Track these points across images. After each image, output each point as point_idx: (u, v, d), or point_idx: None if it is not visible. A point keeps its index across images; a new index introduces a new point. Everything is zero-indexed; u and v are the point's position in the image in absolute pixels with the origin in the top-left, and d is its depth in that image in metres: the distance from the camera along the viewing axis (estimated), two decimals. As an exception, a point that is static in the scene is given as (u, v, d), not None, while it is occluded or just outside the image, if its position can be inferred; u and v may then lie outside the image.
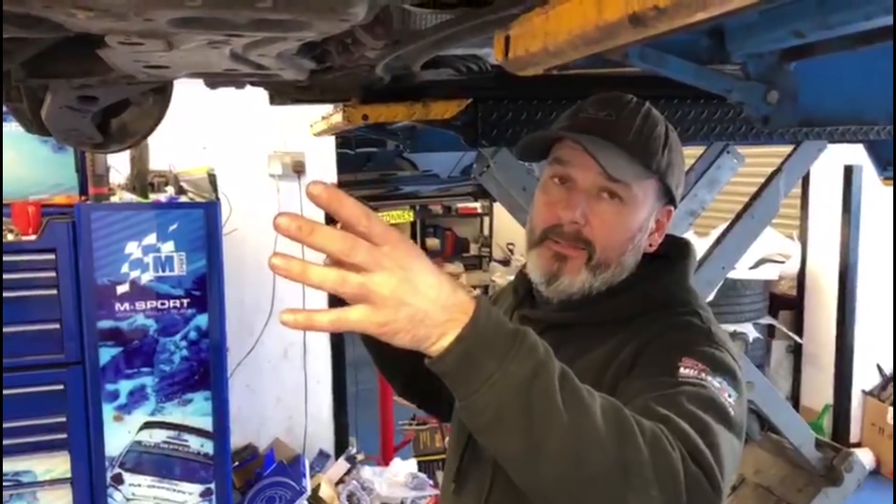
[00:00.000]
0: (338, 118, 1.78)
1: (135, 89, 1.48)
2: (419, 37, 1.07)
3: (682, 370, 0.94)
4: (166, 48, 0.97)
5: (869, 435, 4.84)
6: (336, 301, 0.76)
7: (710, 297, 2.83)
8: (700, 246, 3.25)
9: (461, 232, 10.08)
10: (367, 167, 4.22)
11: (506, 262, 8.79)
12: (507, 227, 8.76)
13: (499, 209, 8.73)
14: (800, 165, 2.52)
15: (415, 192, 5.57)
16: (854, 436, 4.86)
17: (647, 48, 1.00)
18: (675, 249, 1.15)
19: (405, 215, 4.87)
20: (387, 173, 4.49)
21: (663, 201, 1.12)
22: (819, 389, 4.98)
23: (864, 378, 4.88)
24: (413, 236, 9.26)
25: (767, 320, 4.99)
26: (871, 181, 4.50)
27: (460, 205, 9.27)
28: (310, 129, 2.36)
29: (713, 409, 0.89)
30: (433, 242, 9.66)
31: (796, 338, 5.08)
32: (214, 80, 1.44)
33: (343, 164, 4.06)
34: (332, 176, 4.03)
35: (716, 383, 0.93)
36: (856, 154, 3.97)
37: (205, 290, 2.88)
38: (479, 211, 9.73)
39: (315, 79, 1.41)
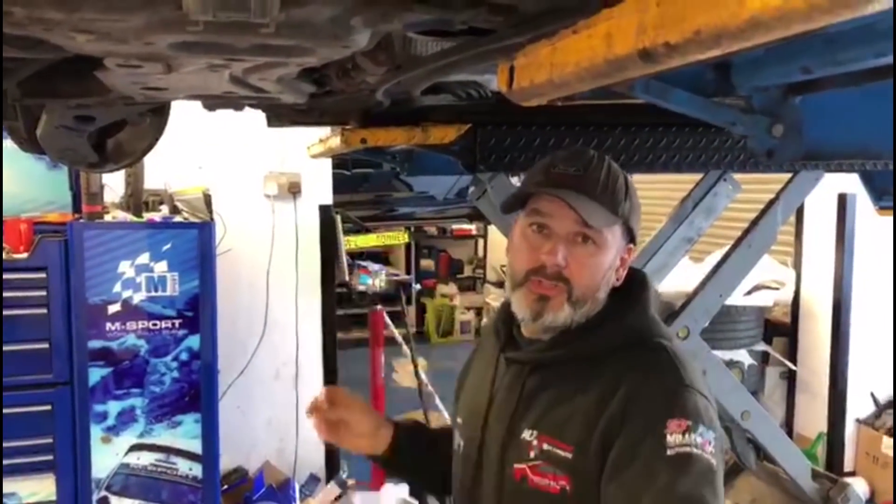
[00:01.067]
0: (336, 141, 1.77)
1: (132, 110, 1.47)
2: (421, 64, 1.07)
3: (668, 438, 1.07)
4: (165, 71, 0.96)
5: (863, 464, 4.80)
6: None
7: (706, 324, 2.82)
8: (695, 272, 3.25)
9: (456, 253, 10.07)
10: (362, 188, 4.21)
11: (500, 284, 8.78)
12: (501, 250, 8.72)
13: (493, 231, 8.73)
14: (797, 194, 2.52)
15: (410, 213, 5.55)
16: (848, 464, 4.83)
17: (653, 81, 1.00)
18: (635, 281, 1.30)
19: (401, 237, 4.84)
20: (382, 195, 4.47)
21: (626, 240, 1.27)
22: (813, 417, 4.95)
23: (859, 406, 4.86)
24: (408, 257, 9.28)
25: (762, 347, 4.97)
26: (864, 210, 4.51)
27: (455, 227, 9.27)
28: (307, 152, 2.35)
29: (704, 480, 1.05)
30: (427, 263, 9.66)
31: (790, 365, 5.06)
32: (213, 102, 1.43)
33: (339, 185, 4.05)
34: (327, 197, 4.01)
35: (699, 439, 1.07)
36: (850, 183, 3.98)
37: (197, 310, 2.85)
38: (474, 233, 9.73)
39: (314, 102, 1.40)
